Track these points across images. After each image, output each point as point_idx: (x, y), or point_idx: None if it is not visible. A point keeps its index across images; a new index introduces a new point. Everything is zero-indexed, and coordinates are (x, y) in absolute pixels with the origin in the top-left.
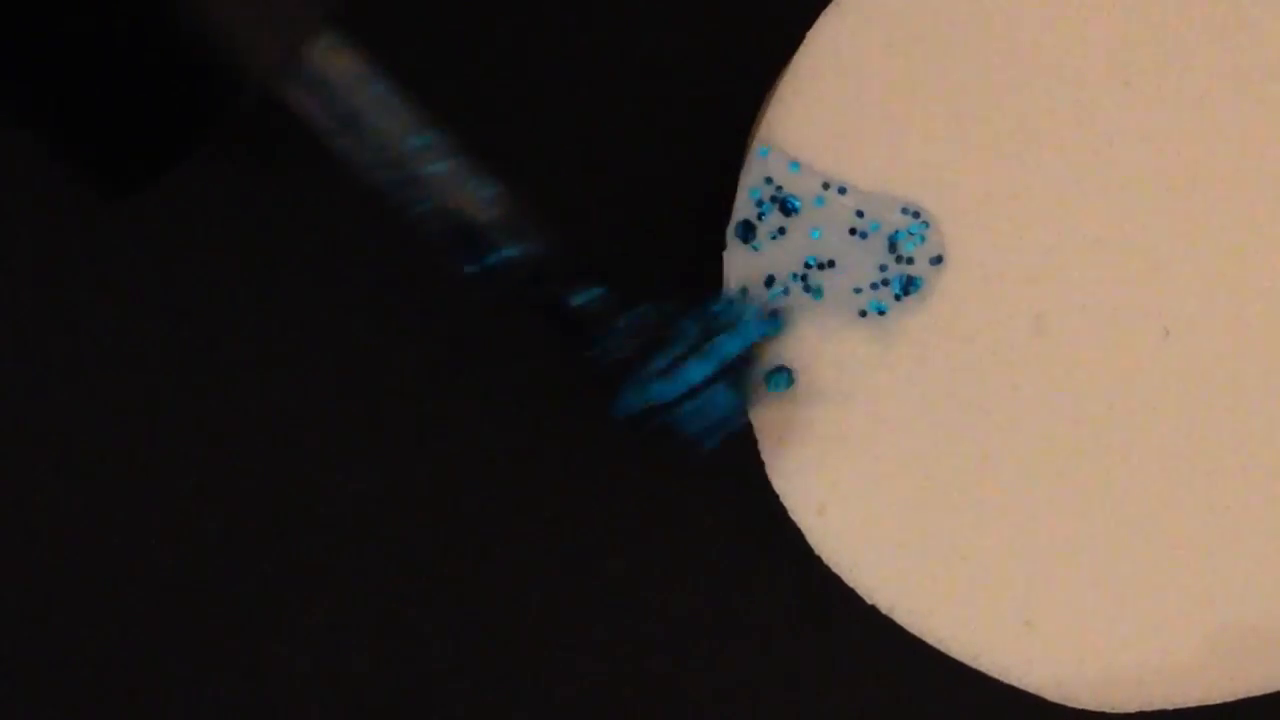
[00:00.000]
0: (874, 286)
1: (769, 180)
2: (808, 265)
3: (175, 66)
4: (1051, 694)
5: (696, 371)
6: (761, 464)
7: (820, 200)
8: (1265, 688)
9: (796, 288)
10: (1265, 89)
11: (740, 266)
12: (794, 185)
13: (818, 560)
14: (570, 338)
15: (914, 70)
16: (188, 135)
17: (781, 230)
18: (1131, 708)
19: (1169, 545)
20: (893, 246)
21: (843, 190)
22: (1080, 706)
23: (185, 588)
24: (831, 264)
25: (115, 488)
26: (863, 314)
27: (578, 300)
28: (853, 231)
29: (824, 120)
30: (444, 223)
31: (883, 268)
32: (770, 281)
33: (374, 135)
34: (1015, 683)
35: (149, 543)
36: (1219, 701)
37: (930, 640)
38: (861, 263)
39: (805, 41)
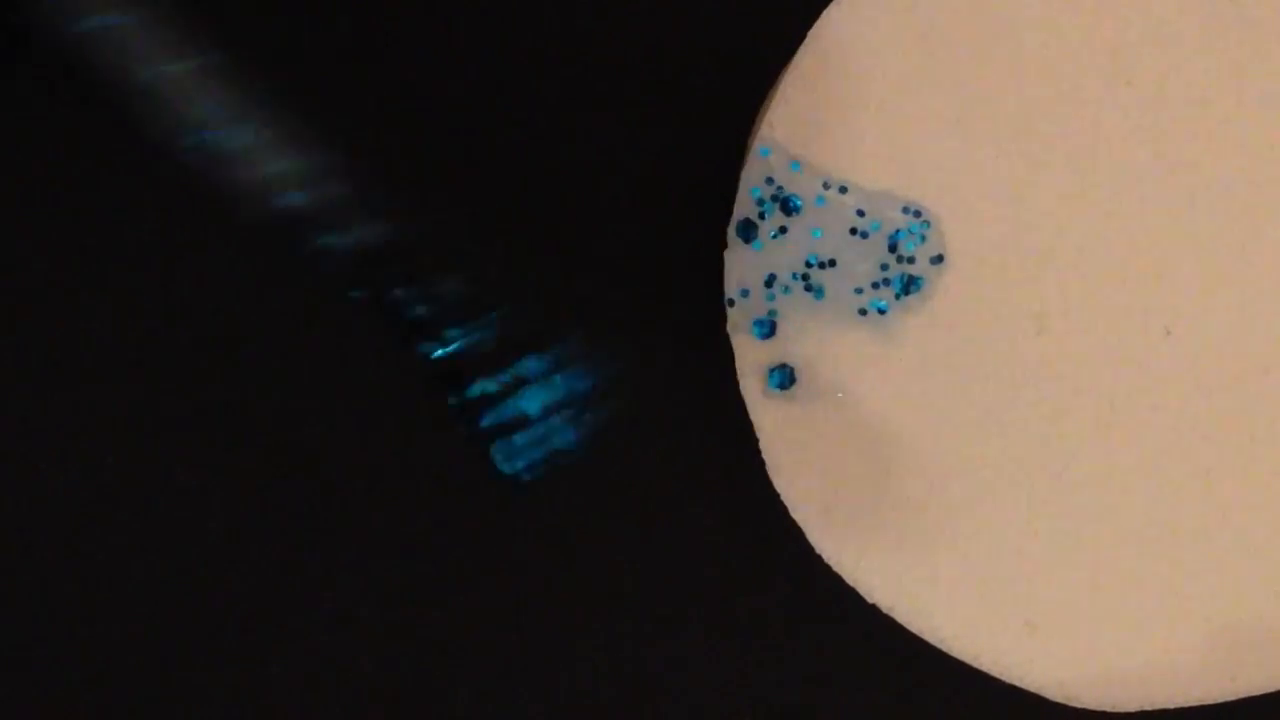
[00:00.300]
0: (874, 286)
1: (770, 179)
2: (808, 264)
3: None
4: (1052, 694)
5: (535, 400)
6: (762, 464)
7: (821, 199)
8: (1265, 688)
9: (797, 287)
10: (1265, 88)
11: (741, 265)
12: (795, 184)
13: (818, 560)
14: (396, 333)
15: (915, 69)
16: None
17: (782, 229)
18: (1132, 707)
19: (1169, 545)
20: (893, 246)
21: (844, 189)
22: (1081, 706)
23: (185, 588)
24: (832, 263)
25: (115, 488)
26: (863, 313)
27: (404, 297)
28: (853, 231)
29: (825, 119)
30: (255, 202)
31: (884, 267)
32: (771, 281)
33: (158, 94)
34: (1016, 682)
35: (149, 543)
36: (1219, 701)
37: (930, 640)
38: (862, 262)
39: (807, 40)
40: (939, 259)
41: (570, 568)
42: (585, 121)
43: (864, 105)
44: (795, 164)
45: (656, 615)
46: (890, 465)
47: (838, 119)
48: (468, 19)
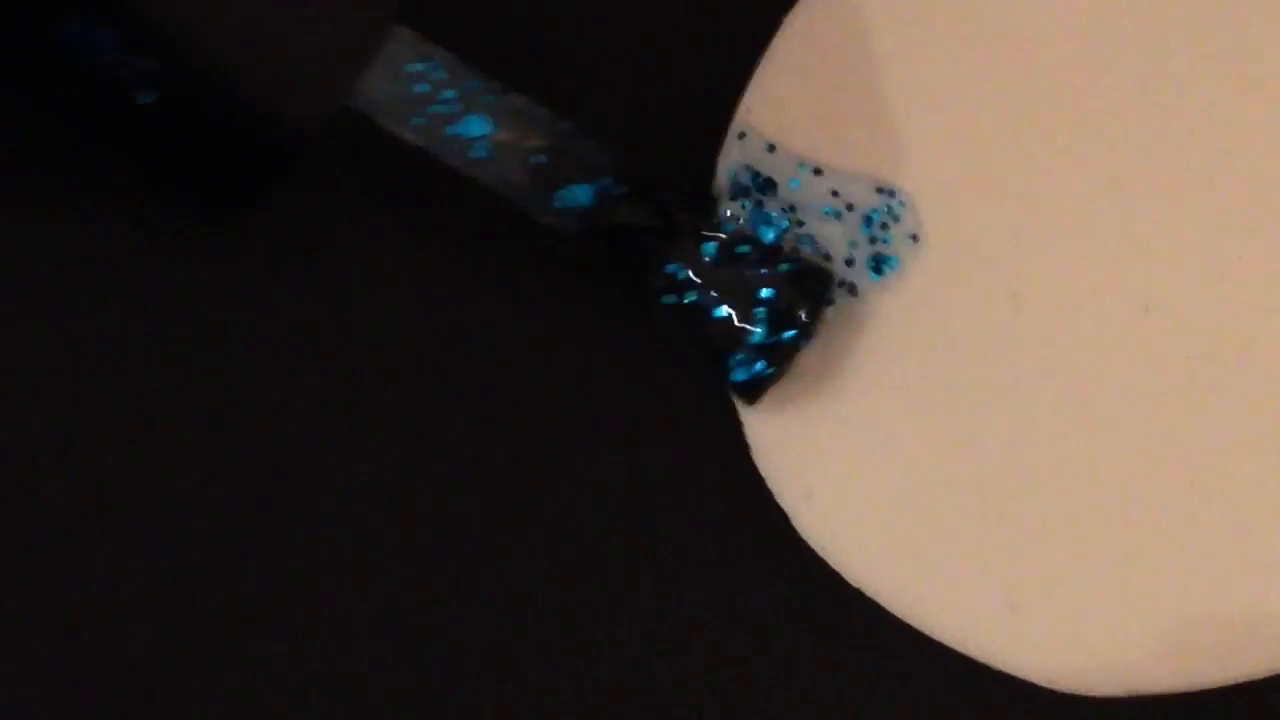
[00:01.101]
0: (848, 264)
1: (746, 165)
2: None
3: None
4: (1037, 678)
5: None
6: (750, 455)
7: (795, 182)
8: (1252, 674)
9: None
10: (1241, 67)
11: None
12: (770, 167)
13: (814, 557)
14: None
15: (894, 53)
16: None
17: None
18: (1118, 692)
19: (1156, 529)
20: (868, 226)
21: (818, 171)
22: (1066, 691)
23: (186, 588)
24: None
25: (115, 488)
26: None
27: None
28: (828, 212)
29: (802, 104)
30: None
31: (858, 247)
32: None
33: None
34: (1000, 667)
35: (149, 543)
36: (1206, 687)
37: (916, 625)
38: (837, 243)
39: (784, 24)
40: (915, 238)
41: (568, 566)
42: (566, 108)
43: (842, 89)
44: (771, 147)
45: (655, 614)
46: (869, 447)
47: (815, 103)
48: (452, 10)
